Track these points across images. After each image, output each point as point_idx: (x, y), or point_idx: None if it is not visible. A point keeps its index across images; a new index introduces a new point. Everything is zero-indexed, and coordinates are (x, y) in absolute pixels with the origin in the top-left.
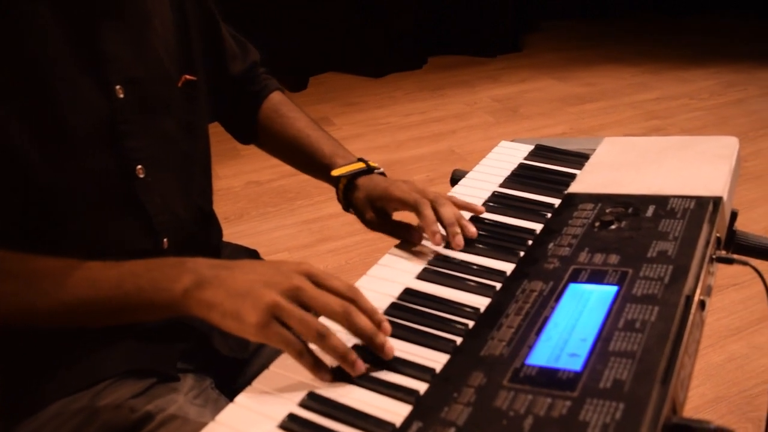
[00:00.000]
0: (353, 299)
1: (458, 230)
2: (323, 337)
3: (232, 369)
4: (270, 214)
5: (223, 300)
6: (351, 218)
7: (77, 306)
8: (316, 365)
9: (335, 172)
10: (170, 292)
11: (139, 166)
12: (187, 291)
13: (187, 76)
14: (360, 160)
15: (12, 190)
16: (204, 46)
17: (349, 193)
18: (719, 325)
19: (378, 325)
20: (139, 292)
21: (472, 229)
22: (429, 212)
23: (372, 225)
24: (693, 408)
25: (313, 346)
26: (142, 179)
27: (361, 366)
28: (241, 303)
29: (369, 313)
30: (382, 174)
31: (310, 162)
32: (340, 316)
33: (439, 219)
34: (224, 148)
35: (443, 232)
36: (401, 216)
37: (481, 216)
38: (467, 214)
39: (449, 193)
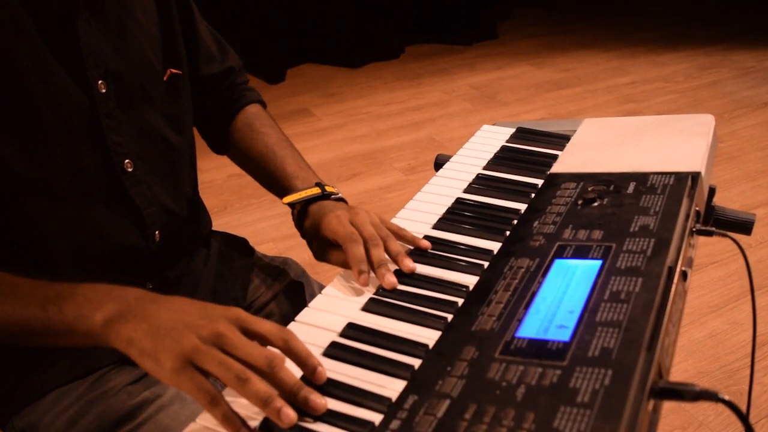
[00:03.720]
0: (286, 342)
1: (385, 271)
2: (244, 381)
3: None
4: (253, 206)
5: (143, 337)
6: None
7: None
8: (228, 419)
9: (286, 200)
10: (90, 320)
11: (127, 161)
12: (109, 321)
13: (173, 70)
14: (318, 185)
15: None
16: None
17: (301, 220)
18: (699, 303)
19: (312, 371)
20: (61, 316)
21: (411, 266)
22: (356, 250)
23: (316, 256)
24: None
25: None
26: (130, 173)
27: (289, 414)
28: (160, 343)
29: (302, 357)
30: (340, 199)
31: (272, 182)
32: (262, 369)
33: (369, 258)
34: None
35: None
36: None
37: (466, 198)
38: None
39: (430, 182)
